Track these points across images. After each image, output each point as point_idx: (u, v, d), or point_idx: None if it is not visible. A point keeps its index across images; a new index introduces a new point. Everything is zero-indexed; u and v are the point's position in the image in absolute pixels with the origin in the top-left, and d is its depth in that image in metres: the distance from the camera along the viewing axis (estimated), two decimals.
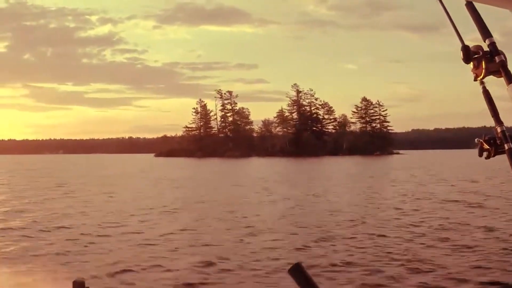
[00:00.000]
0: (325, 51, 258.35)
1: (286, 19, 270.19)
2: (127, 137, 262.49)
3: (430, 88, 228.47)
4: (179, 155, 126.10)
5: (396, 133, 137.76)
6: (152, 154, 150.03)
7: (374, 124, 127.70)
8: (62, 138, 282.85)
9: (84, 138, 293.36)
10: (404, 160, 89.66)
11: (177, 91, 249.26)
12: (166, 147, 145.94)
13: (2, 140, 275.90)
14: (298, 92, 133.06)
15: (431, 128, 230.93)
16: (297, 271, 1.46)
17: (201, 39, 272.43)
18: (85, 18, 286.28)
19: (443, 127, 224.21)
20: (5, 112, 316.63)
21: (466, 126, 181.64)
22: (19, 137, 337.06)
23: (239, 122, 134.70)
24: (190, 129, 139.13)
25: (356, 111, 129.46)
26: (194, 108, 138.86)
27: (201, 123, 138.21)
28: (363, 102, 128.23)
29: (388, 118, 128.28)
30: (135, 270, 11.50)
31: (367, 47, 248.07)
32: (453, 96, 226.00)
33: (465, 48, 1.36)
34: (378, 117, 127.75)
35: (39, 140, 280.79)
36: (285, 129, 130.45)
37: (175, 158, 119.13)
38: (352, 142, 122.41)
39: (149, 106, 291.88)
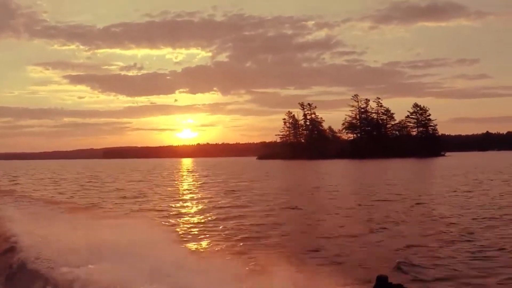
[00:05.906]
0: None
1: (505, 9, 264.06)
2: None
3: None
4: (272, 158, 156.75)
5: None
6: (254, 157, 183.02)
7: (424, 128, 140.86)
8: (274, 140, 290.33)
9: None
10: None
11: (398, 91, 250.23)
12: (264, 151, 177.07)
13: (216, 143, 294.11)
14: (367, 101, 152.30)
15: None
16: None
17: (418, 36, 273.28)
18: (301, 24, 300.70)
19: None
20: (227, 117, 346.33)
21: None
22: (232, 140, 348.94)
23: (315, 130, 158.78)
24: (282, 136, 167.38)
25: (408, 116, 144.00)
26: (284, 119, 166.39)
27: (290, 131, 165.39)
28: (414, 108, 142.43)
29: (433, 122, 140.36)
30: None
31: None
32: None
33: None
34: (426, 122, 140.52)
35: (248, 143, 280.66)
36: (349, 134, 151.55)
37: (270, 160, 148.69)
38: (403, 145, 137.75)
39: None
